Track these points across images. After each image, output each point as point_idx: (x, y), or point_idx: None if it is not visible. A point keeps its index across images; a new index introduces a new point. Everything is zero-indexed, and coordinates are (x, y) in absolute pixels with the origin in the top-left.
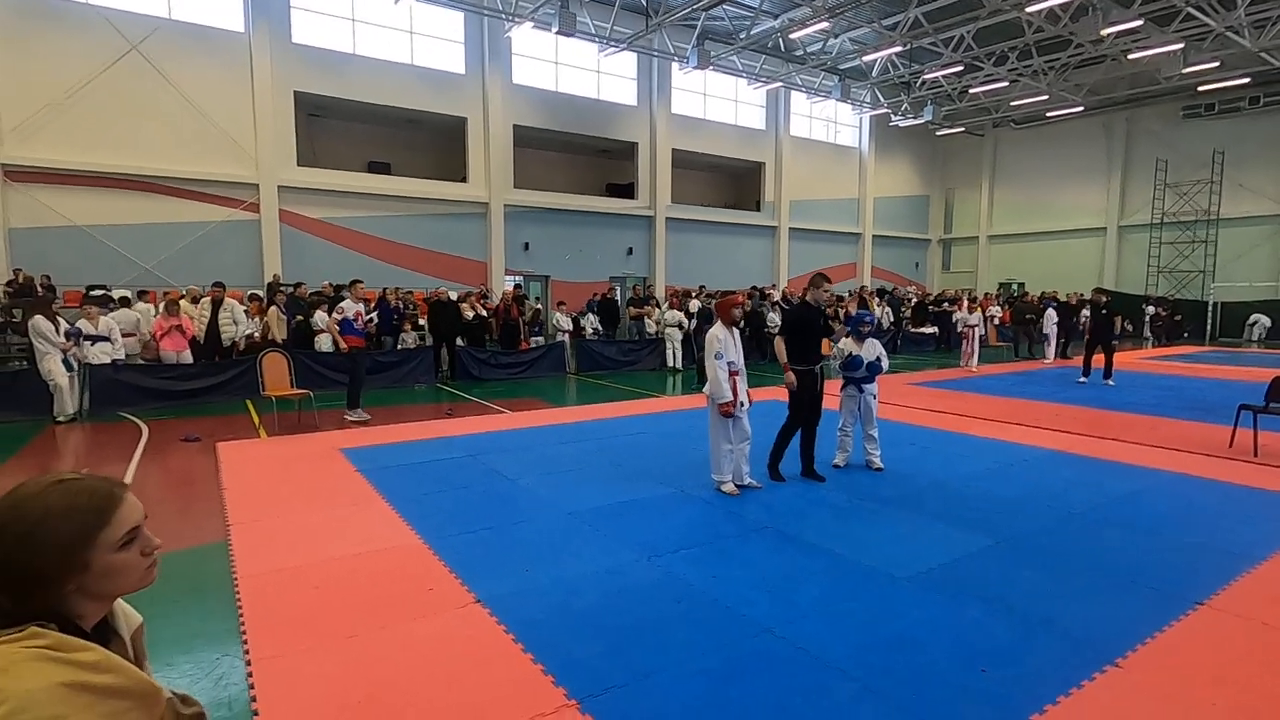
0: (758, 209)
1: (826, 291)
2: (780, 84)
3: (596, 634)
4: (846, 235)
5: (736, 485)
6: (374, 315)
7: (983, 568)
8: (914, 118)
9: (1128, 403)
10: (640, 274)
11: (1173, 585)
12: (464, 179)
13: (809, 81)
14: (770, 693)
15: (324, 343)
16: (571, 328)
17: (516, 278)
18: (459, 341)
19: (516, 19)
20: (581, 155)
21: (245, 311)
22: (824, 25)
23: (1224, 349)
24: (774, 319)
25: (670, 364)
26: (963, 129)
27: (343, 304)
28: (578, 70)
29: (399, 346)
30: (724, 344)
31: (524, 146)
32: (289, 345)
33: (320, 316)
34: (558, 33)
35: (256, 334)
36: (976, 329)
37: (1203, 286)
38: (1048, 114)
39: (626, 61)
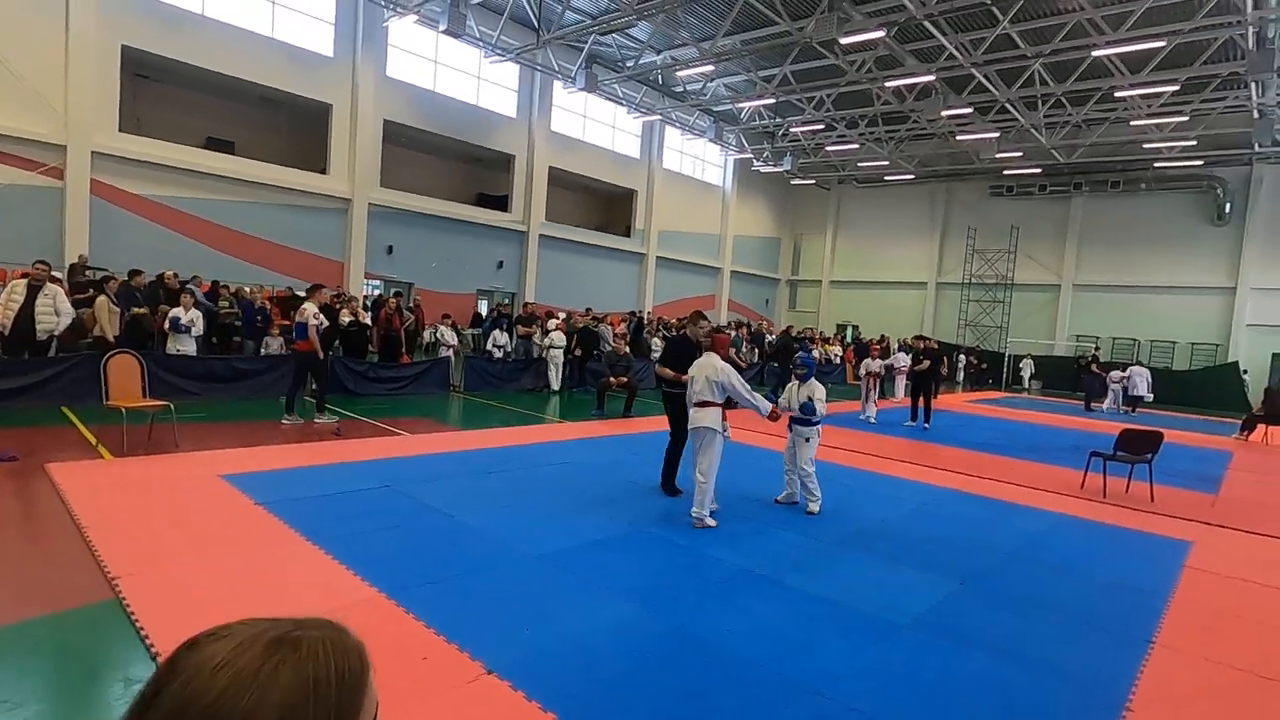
0: (628, 235)
1: (703, 328)
2: (658, 117)
3: (643, 707)
4: (708, 269)
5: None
6: (322, 320)
7: (965, 612)
8: (774, 165)
9: (980, 443)
10: (509, 289)
11: (1122, 625)
12: (324, 170)
13: (684, 119)
14: None
15: (181, 344)
16: (456, 342)
17: (376, 282)
18: (333, 351)
19: (399, 9)
20: (454, 161)
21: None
22: (708, 68)
23: (1015, 395)
24: (656, 344)
25: (553, 386)
26: (814, 181)
27: (305, 306)
28: (458, 73)
29: (262, 352)
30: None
31: (394, 144)
32: (122, 345)
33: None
34: (444, 31)
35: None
36: (878, 375)
37: (1000, 340)
38: (885, 177)
39: (509, 72)
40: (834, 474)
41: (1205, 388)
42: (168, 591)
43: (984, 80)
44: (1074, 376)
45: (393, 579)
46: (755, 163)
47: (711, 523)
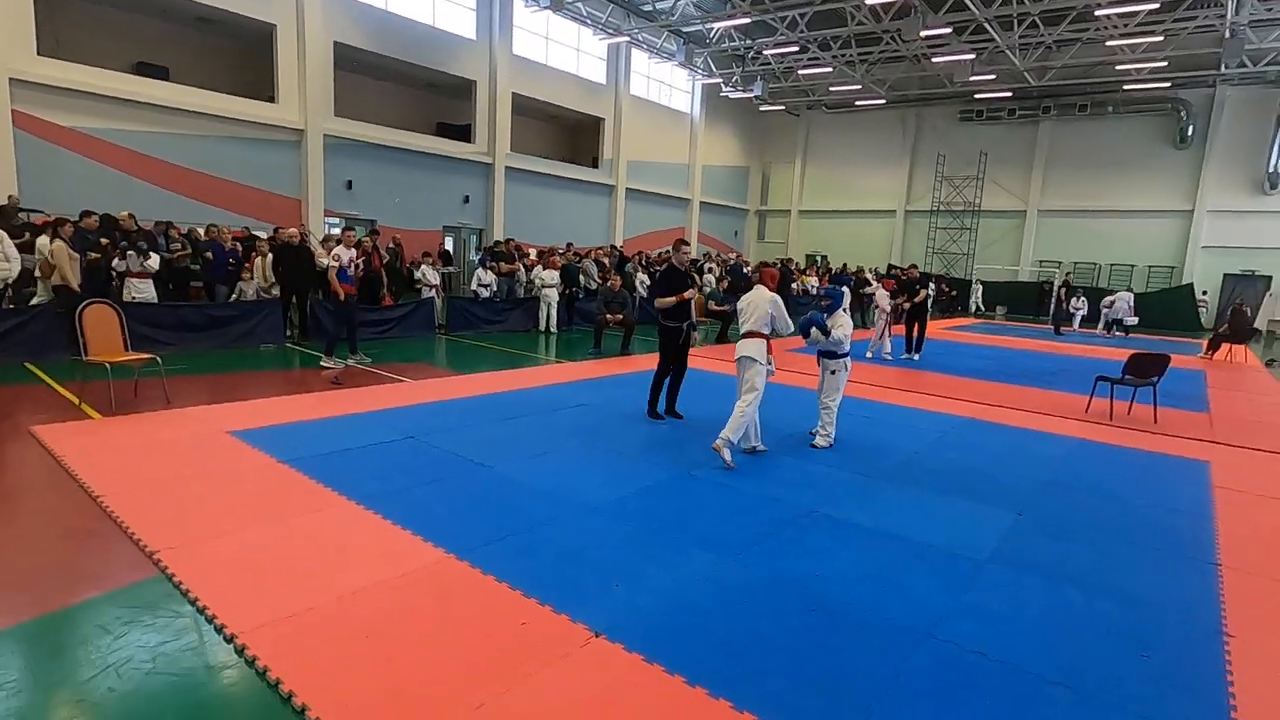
0: (595, 166)
1: (685, 254)
2: (625, 38)
3: (775, 665)
4: (677, 200)
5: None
6: (361, 263)
7: (1033, 544)
8: (743, 91)
9: (974, 370)
10: (476, 224)
11: (1182, 549)
12: (272, 99)
13: (651, 40)
14: (1000, 710)
15: (139, 289)
16: (438, 282)
17: (335, 220)
18: (312, 295)
19: None
20: (410, 88)
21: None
22: None
23: (986, 321)
24: (643, 279)
25: (543, 327)
26: (783, 108)
27: (337, 250)
28: None
29: (234, 298)
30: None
31: (346, 70)
32: (85, 294)
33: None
34: None
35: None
36: (888, 310)
37: (966, 267)
38: (856, 102)
39: None
40: (850, 406)
41: (1162, 309)
42: (216, 568)
43: None
44: (1038, 302)
45: (456, 538)
46: (724, 88)
47: (726, 456)
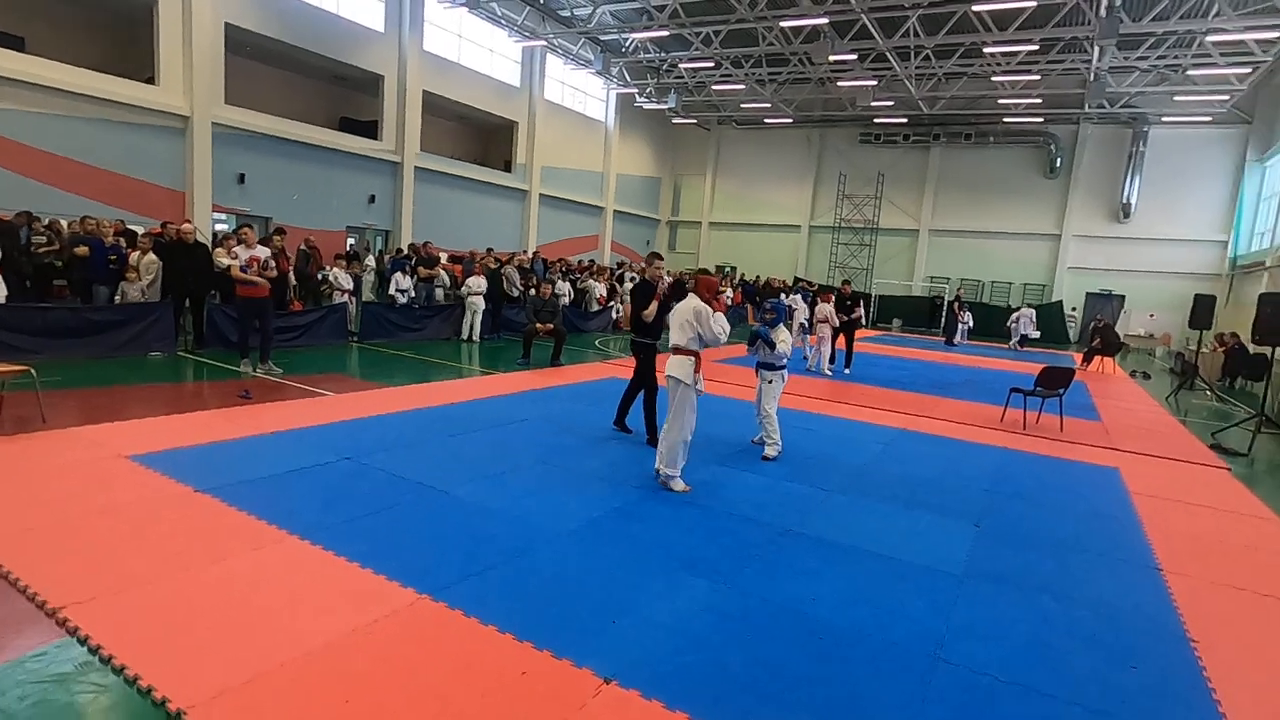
0: (508, 170)
1: (658, 268)
2: (543, 43)
3: (796, 696)
4: (591, 208)
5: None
6: (271, 261)
7: (999, 555)
8: (658, 102)
9: (893, 381)
10: (383, 225)
11: (1124, 554)
12: (152, 80)
13: (567, 47)
14: None
15: None
16: (351, 286)
17: (222, 216)
18: (209, 298)
19: None
20: (312, 79)
21: None
22: None
23: (884, 332)
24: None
25: (466, 335)
26: (695, 121)
27: (236, 248)
28: None
29: (118, 299)
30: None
31: (239, 55)
32: None
33: (224, 258)
34: None
35: None
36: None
37: (866, 281)
38: (765, 120)
39: None
40: (790, 418)
41: (1037, 324)
42: (145, 620)
43: (870, 26)
44: (930, 314)
45: (426, 575)
46: (639, 98)
47: (680, 486)
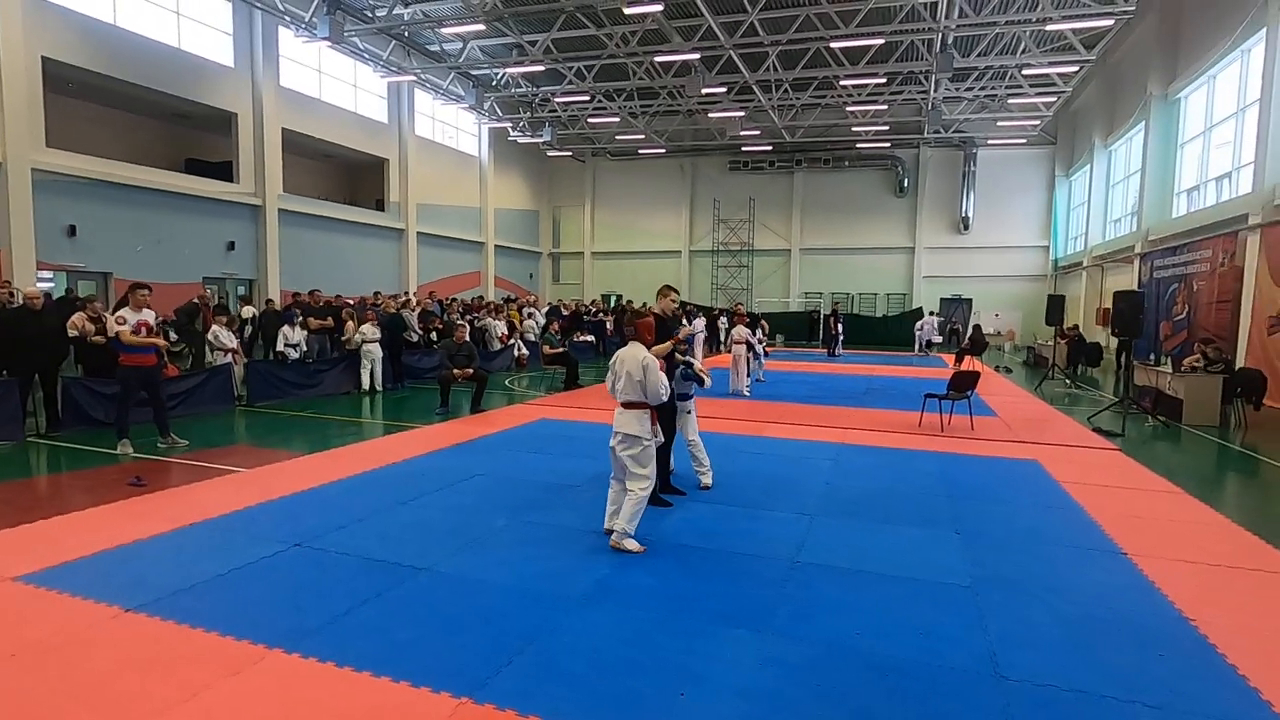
0: (381, 209)
1: (672, 299)
2: (410, 78)
3: None
4: (471, 243)
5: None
6: (158, 325)
7: (990, 560)
8: (532, 136)
9: (804, 396)
10: (245, 274)
11: (1086, 542)
12: None
13: (436, 82)
14: None
15: None
16: (235, 344)
17: (49, 274)
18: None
19: None
20: (150, 118)
21: None
22: (477, 26)
23: (771, 349)
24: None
25: (367, 386)
26: (570, 154)
27: (122, 312)
28: (149, 4)
29: None
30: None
31: (61, 93)
32: None
33: (112, 325)
34: None
35: None
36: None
37: (747, 301)
38: (639, 151)
39: (220, 11)
40: (735, 443)
41: (900, 329)
42: None
43: (737, 60)
44: (810, 328)
45: (454, 674)
46: (512, 132)
47: (633, 546)
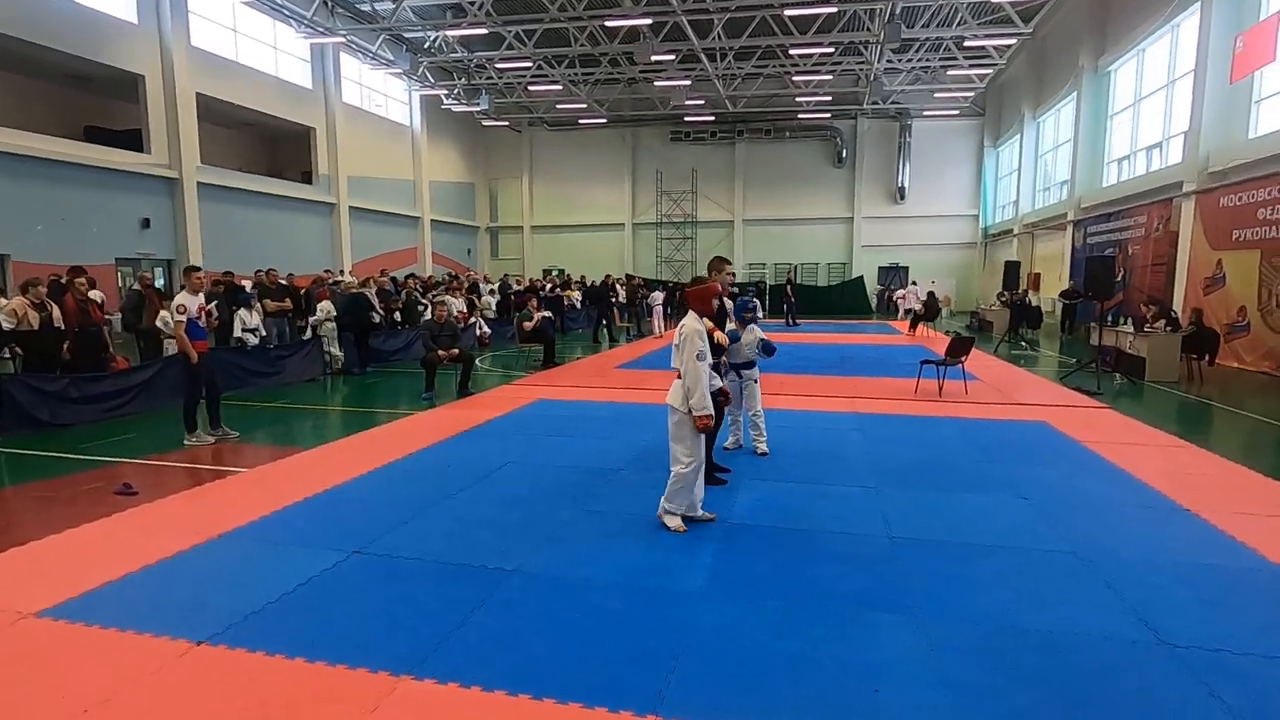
0: (309, 181)
1: (730, 274)
2: (339, 39)
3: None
4: (406, 218)
5: (686, 519)
6: (214, 308)
7: (1067, 525)
8: (467, 104)
9: (790, 367)
10: (163, 254)
11: (1147, 500)
12: None
13: (365, 46)
14: None
15: None
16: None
17: None
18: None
19: None
20: (42, 80)
21: None
22: None
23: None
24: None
25: (338, 369)
26: (506, 123)
27: (180, 299)
28: None
29: None
30: (705, 342)
31: None
32: None
33: (165, 317)
34: None
35: None
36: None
37: (692, 273)
38: (579, 120)
39: None
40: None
41: (842, 298)
42: None
43: (685, 27)
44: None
45: (628, 690)
46: (445, 100)
47: (675, 524)
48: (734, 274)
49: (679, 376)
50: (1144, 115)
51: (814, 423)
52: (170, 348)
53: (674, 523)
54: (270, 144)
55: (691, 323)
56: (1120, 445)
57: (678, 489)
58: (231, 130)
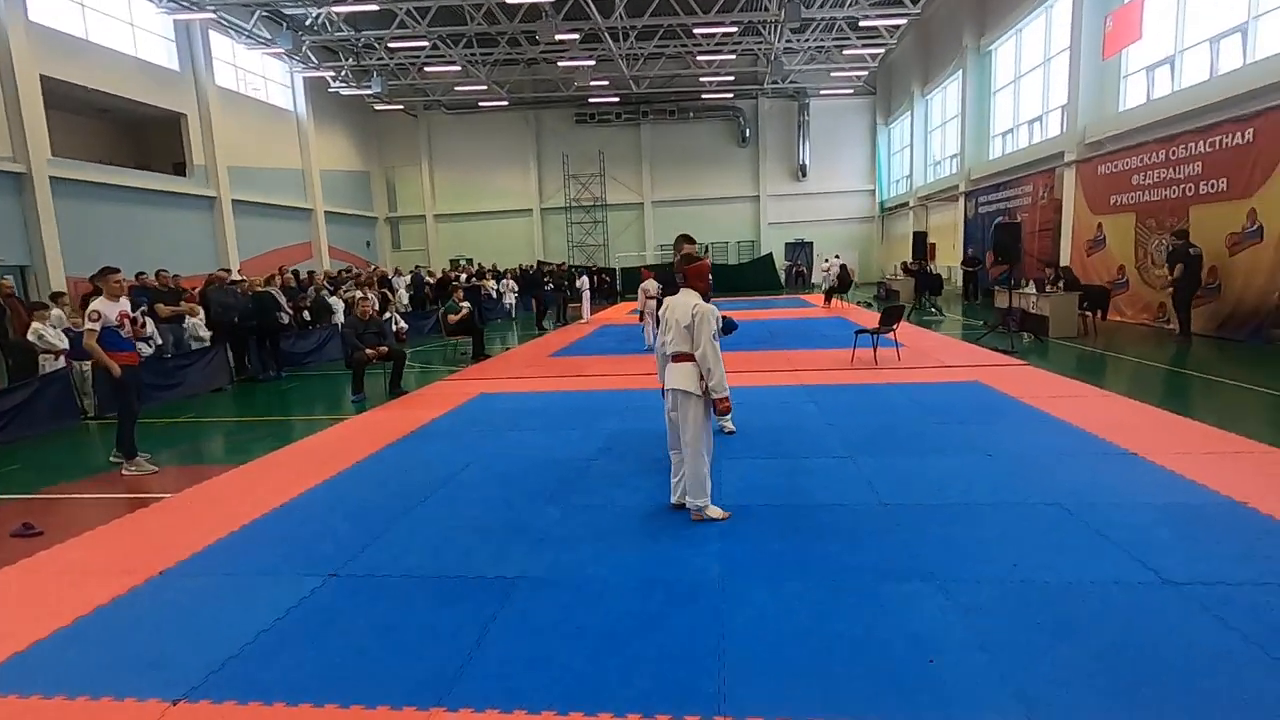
0: (184, 174)
1: (693, 248)
2: (207, 15)
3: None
4: (298, 210)
5: (674, 507)
6: (140, 314)
7: (1048, 483)
8: (357, 87)
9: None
10: (13, 260)
11: (1100, 449)
12: None
13: (237, 23)
14: None
15: None
16: (68, 346)
17: None
18: None
19: None
20: None
21: None
22: None
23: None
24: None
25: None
26: (400, 107)
27: (96, 304)
28: None
29: None
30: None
31: None
32: None
33: (39, 329)
34: None
35: None
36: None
37: (605, 257)
38: (479, 103)
39: None
40: None
41: (753, 275)
42: None
43: (586, 5)
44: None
45: (685, 694)
46: (332, 83)
47: (717, 514)
48: (695, 249)
49: (679, 360)
50: (1024, 91)
51: (766, 397)
52: (46, 365)
53: (716, 512)
54: (135, 133)
55: (695, 301)
56: (1051, 398)
57: (699, 482)
58: (88, 118)
